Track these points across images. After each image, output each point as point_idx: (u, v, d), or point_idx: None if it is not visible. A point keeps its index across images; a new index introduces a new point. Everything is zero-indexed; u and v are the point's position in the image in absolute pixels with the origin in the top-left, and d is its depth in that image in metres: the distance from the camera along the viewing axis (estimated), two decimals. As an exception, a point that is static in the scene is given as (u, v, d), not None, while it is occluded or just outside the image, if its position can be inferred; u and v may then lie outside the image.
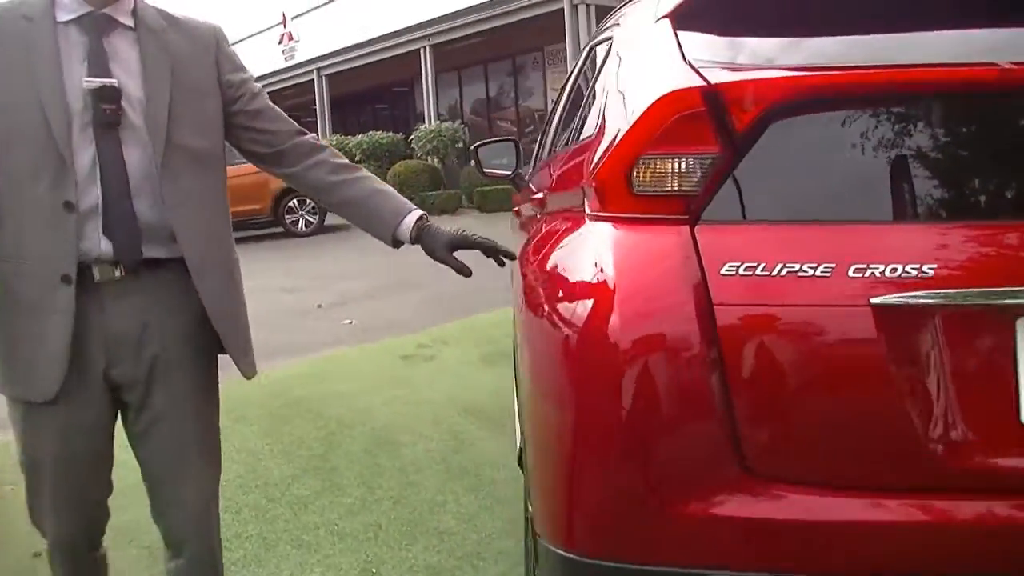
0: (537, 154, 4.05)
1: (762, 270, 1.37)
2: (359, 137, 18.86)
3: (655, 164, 1.45)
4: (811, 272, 1.36)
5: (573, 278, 1.53)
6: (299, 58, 22.42)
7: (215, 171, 1.81)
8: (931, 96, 1.42)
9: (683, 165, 1.43)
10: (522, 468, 2.60)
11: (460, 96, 20.66)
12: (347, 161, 1.92)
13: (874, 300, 1.33)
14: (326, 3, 20.68)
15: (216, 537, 1.92)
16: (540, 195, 2.33)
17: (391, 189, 1.93)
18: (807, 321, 1.36)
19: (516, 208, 4.32)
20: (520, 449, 2.61)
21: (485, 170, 4.05)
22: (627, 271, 1.43)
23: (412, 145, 17.46)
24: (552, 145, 2.98)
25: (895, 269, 1.35)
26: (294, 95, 23.93)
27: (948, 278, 1.33)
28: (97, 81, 1.63)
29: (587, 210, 1.63)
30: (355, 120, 22.95)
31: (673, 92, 1.44)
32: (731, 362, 1.35)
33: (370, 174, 1.93)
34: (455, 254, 1.87)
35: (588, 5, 14.69)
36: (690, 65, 1.50)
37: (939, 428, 1.34)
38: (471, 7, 16.44)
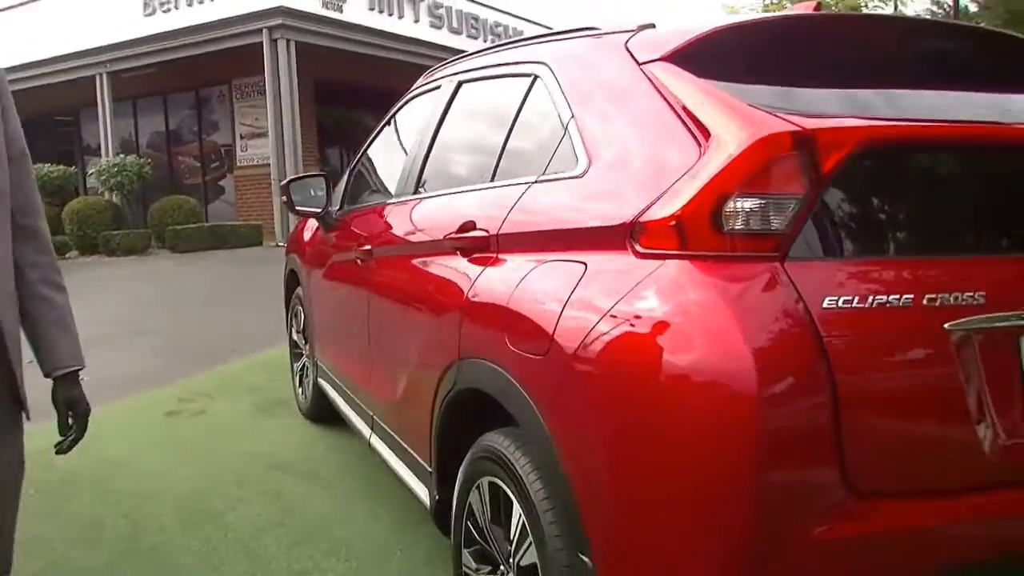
0: (347, 191, 3.84)
1: (857, 303, 1.43)
2: (21, 171, 16.72)
3: (747, 203, 1.47)
4: (897, 303, 1.44)
5: (664, 323, 1.48)
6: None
7: (6, 207, 1.77)
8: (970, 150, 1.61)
9: (775, 204, 1.47)
10: (442, 528, 2.44)
11: (135, 128, 19.12)
12: (59, 280, 1.91)
13: (947, 325, 1.47)
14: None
15: None
16: (471, 233, 2.20)
17: (73, 329, 1.92)
18: (899, 347, 1.47)
19: (316, 247, 4.09)
20: (434, 508, 2.44)
21: (297, 208, 3.79)
22: (738, 310, 1.42)
23: (92, 180, 15.86)
24: (419, 183, 2.85)
25: (957, 297, 1.48)
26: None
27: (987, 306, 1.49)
28: None
29: (637, 248, 1.59)
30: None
31: (770, 135, 1.47)
32: (843, 392, 1.40)
33: (65, 302, 1.91)
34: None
35: (288, 40, 14.35)
36: (762, 109, 1.53)
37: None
38: (158, 34, 15.37)
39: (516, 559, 1.91)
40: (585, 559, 1.60)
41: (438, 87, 3.05)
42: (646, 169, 1.69)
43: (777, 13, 1.92)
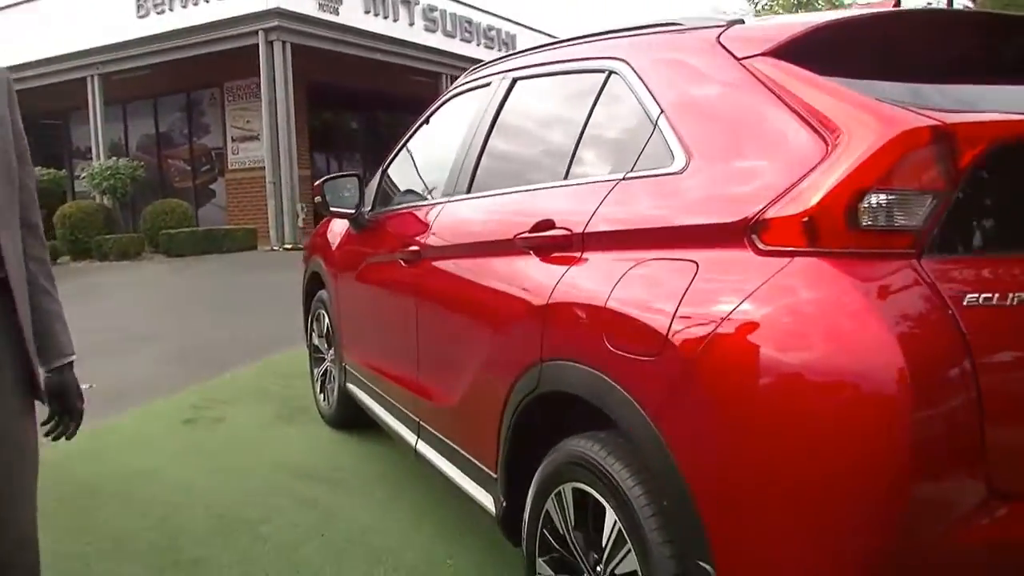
0: (380, 191, 3.77)
1: (997, 300, 1.38)
2: (9, 175, 16.56)
3: (884, 199, 1.42)
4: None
5: (801, 322, 1.42)
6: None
7: (16, 199, 1.85)
8: None
9: (912, 200, 1.42)
10: (509, 536, 2.37)
11: (125, 131, 18.97)
12: (52, 274, 2.00)
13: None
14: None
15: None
16: (550, 232, 2.14)
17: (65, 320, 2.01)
18: None
19: (347, 249, 4.01)
20: (501, 514, 2.37)
21: (331, 208, 3.72)
22: (881, 309, 1.38)
23: (84, 184, 15.71)
24: (472, 182, 2.78)
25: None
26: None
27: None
28: None
29: (758, 245, 1.53)
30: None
31: (910, 130, 1.42)
32: (986, 391, 1.35)
33: (57, 296, 2.01)
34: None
35: (284, 42, 14.26)
36: (896, 104, 1.49)
37: None
38: (151, 36, 15.26)
39: (609, 567, 1.84)
40: (707, 566, 1.54)
41: (487, 84, 2.98)
42: (762, 165, 1.63)
43: (873, 9, 1.87)
